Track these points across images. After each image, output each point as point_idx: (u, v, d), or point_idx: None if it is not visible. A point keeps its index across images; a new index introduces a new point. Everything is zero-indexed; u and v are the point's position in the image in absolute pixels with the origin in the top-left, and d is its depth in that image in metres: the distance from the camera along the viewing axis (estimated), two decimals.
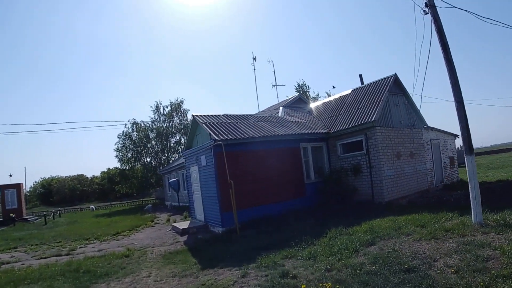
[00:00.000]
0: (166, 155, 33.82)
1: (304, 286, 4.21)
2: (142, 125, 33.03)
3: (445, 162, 14.17)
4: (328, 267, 4.82)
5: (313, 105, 16.69)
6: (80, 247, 9.81)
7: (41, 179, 53.76)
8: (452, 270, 4.07)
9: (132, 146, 32.36)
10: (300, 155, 11.54)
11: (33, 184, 54.35)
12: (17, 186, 22.58)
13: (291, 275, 4.68)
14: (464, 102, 6.46)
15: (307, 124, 13.04)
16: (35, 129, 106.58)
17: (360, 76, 16.04)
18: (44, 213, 23.13)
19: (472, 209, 6.17)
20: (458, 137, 15.49)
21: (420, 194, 11.67)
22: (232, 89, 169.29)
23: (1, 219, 20.59)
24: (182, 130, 33.97)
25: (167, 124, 34.06)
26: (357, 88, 13.72)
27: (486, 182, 12.42)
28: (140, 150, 32.58)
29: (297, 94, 19.62)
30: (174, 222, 13.06)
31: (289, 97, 18.32)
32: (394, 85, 12.07)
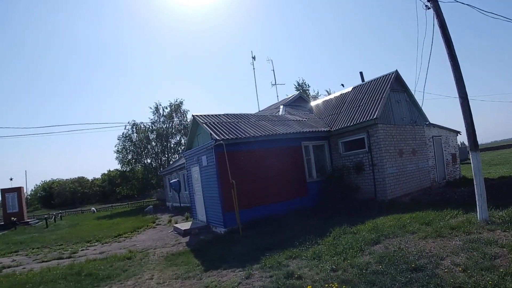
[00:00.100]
0: (166, 156, 33.82)
1: (310, 287, 4.15)
2: (142, 126, 33.05)
3: (447, 159, 14.09)
4: (334, 267, 4.75)
5: (313, 103, 16.62)
6: (81, 250, 9.76)
7: (42, 182, 54.01)
8: (460, 269, 4.00)
9: (132, 148, 32.39)
10: (301, 154, 11.46)
11: (34, 187, 54.54)
12: (18, 190, 22.56)
13: (296, 275, 4.61)
14: None
15: (308, 123, 12.96)
16: (34, 132, 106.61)
17: (361, 73, 15.94)
18: (45, 216, 23.12)
19: (477, 206, 6.09)
20: (460, 134, 15.41)
21: (423, 192, 11.59)
22: (231, 88, 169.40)
23: (2, 223, 20.56)
24: (182, 131, 33.95)
25: (167, 125, 34.04)
26: (358, 86, 13.63)
27: (489, 179, 12.35)
28: (140, 152, 32.60)
29: (297, 92, 19.51)
30: (176, 223, 13.00)
31: (290, 96, 18.22)
32: (396, 82, 11.99)
